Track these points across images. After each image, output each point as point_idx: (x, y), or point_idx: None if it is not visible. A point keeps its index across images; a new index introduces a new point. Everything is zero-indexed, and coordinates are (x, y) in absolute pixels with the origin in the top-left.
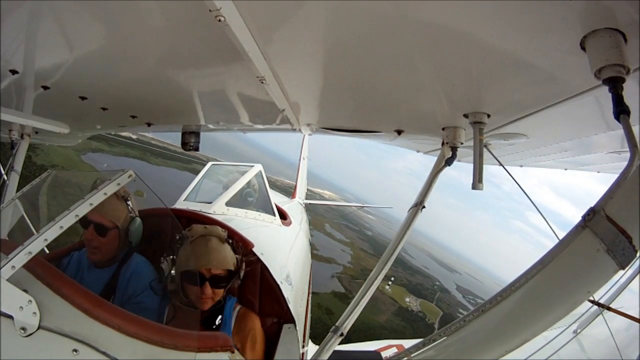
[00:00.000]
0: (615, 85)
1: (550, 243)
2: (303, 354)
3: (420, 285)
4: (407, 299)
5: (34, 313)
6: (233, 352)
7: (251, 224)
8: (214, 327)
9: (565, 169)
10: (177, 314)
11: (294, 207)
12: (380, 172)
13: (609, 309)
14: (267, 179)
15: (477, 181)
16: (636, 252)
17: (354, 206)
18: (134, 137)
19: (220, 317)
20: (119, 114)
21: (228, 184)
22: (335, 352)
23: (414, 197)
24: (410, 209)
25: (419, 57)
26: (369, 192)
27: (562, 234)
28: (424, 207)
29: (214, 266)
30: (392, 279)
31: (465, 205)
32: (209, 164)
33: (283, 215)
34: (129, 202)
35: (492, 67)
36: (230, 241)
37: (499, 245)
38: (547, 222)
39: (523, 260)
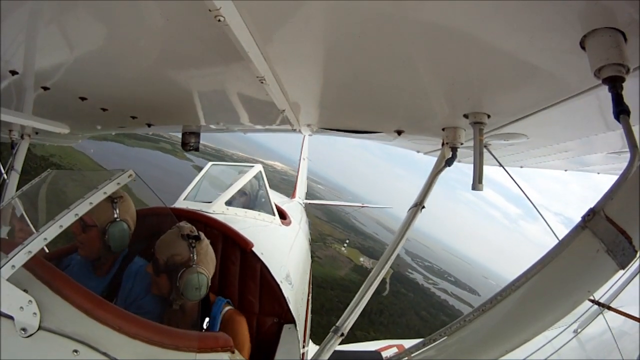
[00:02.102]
0: (615, 84)
1: (496, 213)
2: (303, 354)
3: (372, 248)
4: (361, 259)
5: (34, 313)
6: (233, 352)
7: (251, 224)
8: (202, 330)
9: (565, 170)
10: (173, 316)
11: (294, 207)
12: (328, 143)
13: (610, 308)
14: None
15: (477, 182)
16: (636, 252)
17: (354, 206)
18: None
19: (207, 319)
20: (119, 115)
21: (228, 184)
22: (335, 352)
23: (360, 168)
24: (410, 209)
25: (419, 57)
26: (317, 162)
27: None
28: (423, 207)
29: (156, 249)
30: (347, 241)
31: (411, 175)
32: (209, 164)
33: (283, 215)
34: (116, 204)
35: (492, 67)
36: (192, 242)
37: (448, 214)
38: (546, 222)
39: (471, 228)
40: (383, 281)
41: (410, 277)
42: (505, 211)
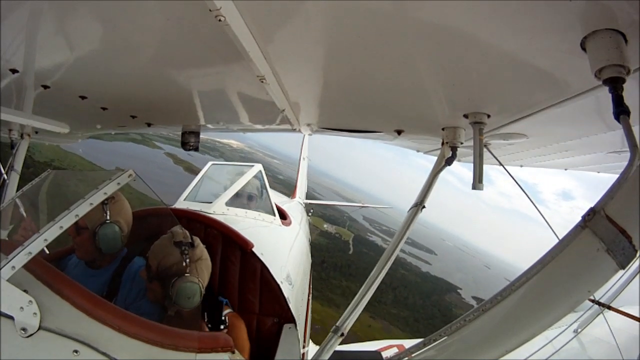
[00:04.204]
0: (615, 85)
1: (451, 177)
2: (303, 354)
3: (333, 216)
4: (325, 226)
5: (35, 313)
6: (233, 352)
7: (251, 224)
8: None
9: (566, 169)
10: (170, 323)
11: (294, 207)
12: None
13: (610, 308)
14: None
15: (478, 181)
16: (636, 252)
17: (355, 206)
18: None
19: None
20: (119, 114)
21: (228, 184)
22: (335, 352)
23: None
24: (410, 209)
25: (419, 57)
26: (273, 140)
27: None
28: (424, 207)
29: (148, 255)
30: (312, 211)
31: (368, 146)
32: (209, 163)
33: (283, 215)
34: (106, 206)
35: (492, 67)
36: (185, 250)
37: (401, 180)
38: (547, 222)
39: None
40: (347, 243)
41: (370, 240)
42: (459, 175)
